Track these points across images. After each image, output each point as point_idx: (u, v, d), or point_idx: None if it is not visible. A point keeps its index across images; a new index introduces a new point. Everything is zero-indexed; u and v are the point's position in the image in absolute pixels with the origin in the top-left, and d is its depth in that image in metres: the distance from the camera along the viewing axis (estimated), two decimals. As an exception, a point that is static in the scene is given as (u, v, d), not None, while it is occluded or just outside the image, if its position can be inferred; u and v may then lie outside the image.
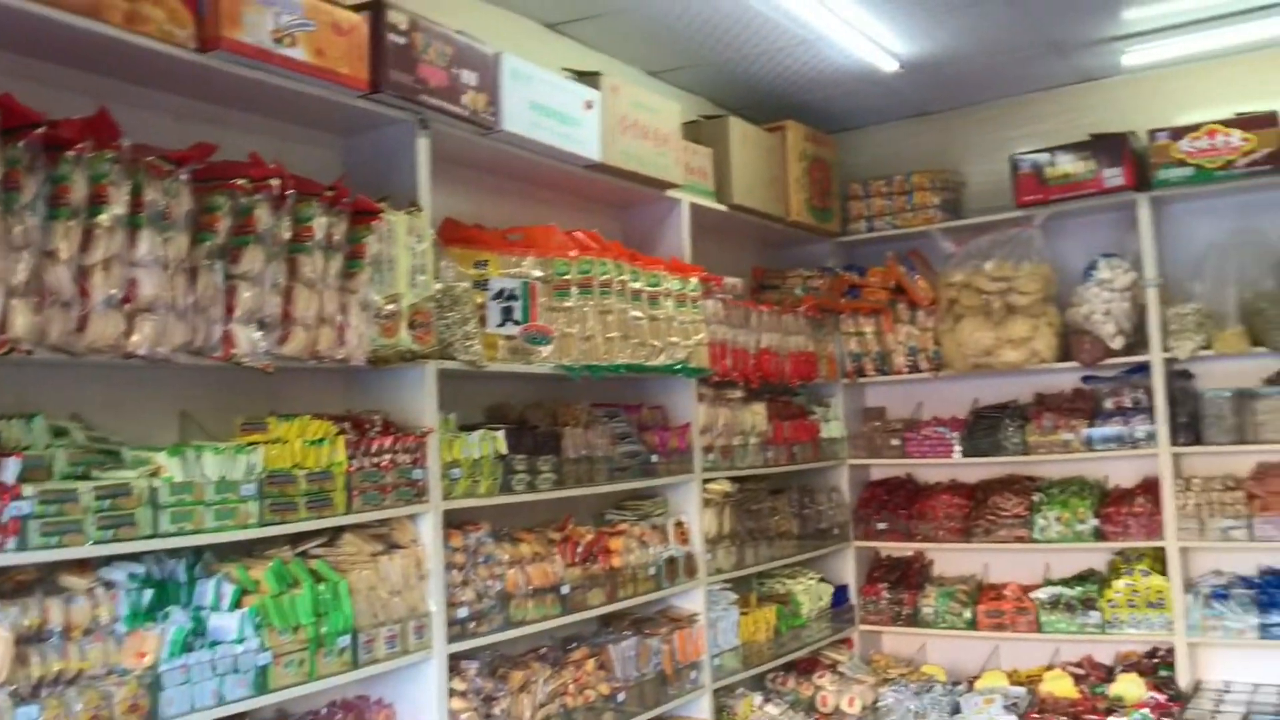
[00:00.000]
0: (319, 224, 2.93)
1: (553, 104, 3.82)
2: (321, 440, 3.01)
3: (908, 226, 5.77)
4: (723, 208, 4.89)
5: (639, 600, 4.14)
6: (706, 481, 4.61)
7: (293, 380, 3.25)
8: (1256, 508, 4.91)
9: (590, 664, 3.87)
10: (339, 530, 3.14)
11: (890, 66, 5.15)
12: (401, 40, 3.23)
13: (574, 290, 3.80)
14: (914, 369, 5.73)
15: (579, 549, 3.87)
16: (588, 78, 4.08)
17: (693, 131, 4.88)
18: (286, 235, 2.86)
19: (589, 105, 3.98)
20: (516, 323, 3.62)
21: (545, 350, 3.67)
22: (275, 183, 2.79)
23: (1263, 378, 5.09)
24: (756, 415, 4.99)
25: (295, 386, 3.28)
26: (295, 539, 3.03)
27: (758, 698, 4.79)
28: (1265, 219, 5.10)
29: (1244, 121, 4.92)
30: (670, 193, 4.56)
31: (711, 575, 4.55)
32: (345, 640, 2.97)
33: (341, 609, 2.97)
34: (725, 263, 5.20)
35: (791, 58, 5.06)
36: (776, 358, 5.14)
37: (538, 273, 3.71)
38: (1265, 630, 4.83)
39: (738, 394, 4.95)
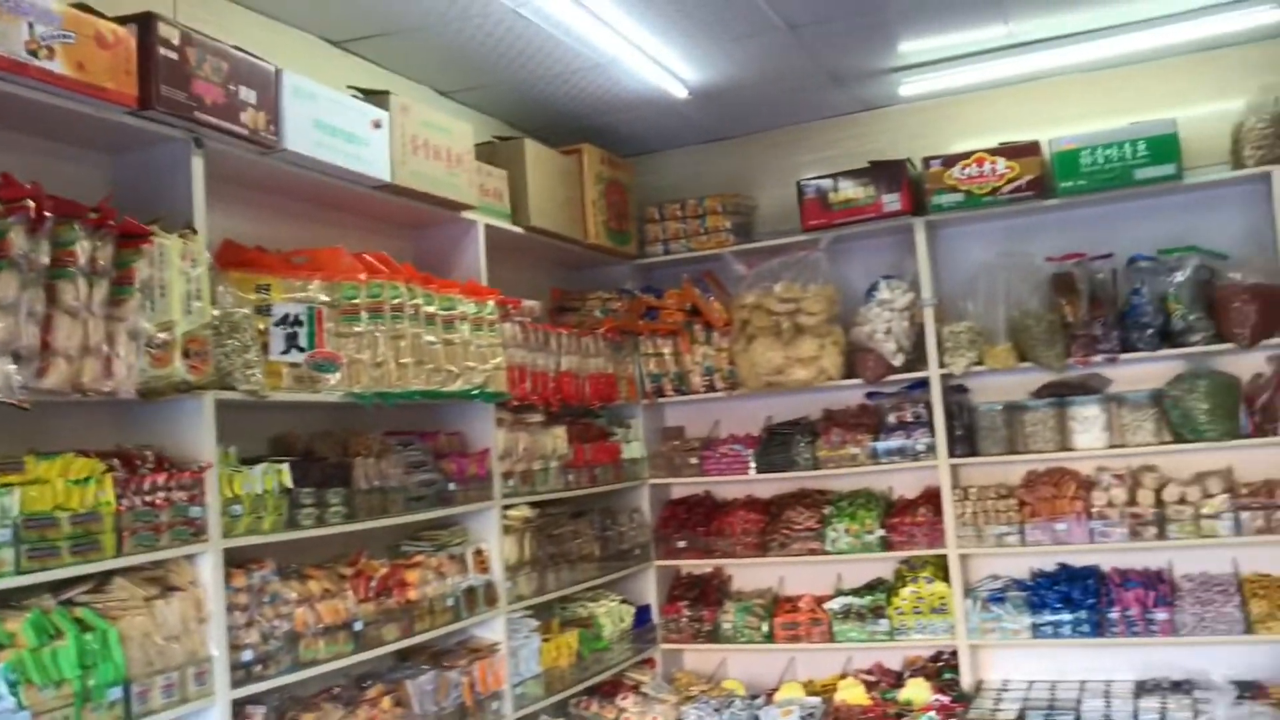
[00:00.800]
0: (82, 248, 2.74)
1: (338, 123, 3.71)
2: (87, 479, 2.80)
3: (702, 249, 5.88)
4: (519, 230, 4.86)
5: (437, 633, 4.04)
6: (507, 508, 4.55)
7: (55, 416, 3.02)
8: (1027, 514, 5.22)
9: (386, 701, 3.75)
10: (109, 574, 2.93)
11: (680, 93, 5.24)
12: (173, 55, 3.06)
13: (364, 315, 3.69)
14: (710, 388, 5.84)
15: (372, 583, 3.75)
16: (376, 97, 3.98)
17: (487, 153, 4.83)
18: (45, 260, 2.66)
19: (377, 124, 3.89)
20: (301, 349, 3.48)
21: (333, 378, 3.54)
22: (30, 204, 2.60)
23: (1030, 391, 5.41)
24: (557, 438, 4.97)
25: (58, 422, 3.05)
26: (58, 586, 2.82)
27: (560, 724, 4.76)
28: (1030, 242, 5.43)
29: (1008, 150, 5.24)
30: (464, 214, 4.50)
31: (512, 603, 4.49)
32: (117, 692, 2.77)
33: (111, 659, 2.77)
34: (523, 285, 5.17)
35: (586, 80, 5.09)
36: (577, 380, 5.14)
37: (324, 297, 3.58)
38: (1037, 630, 5.12)
39: (538, 417, 4.92)
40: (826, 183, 5.57)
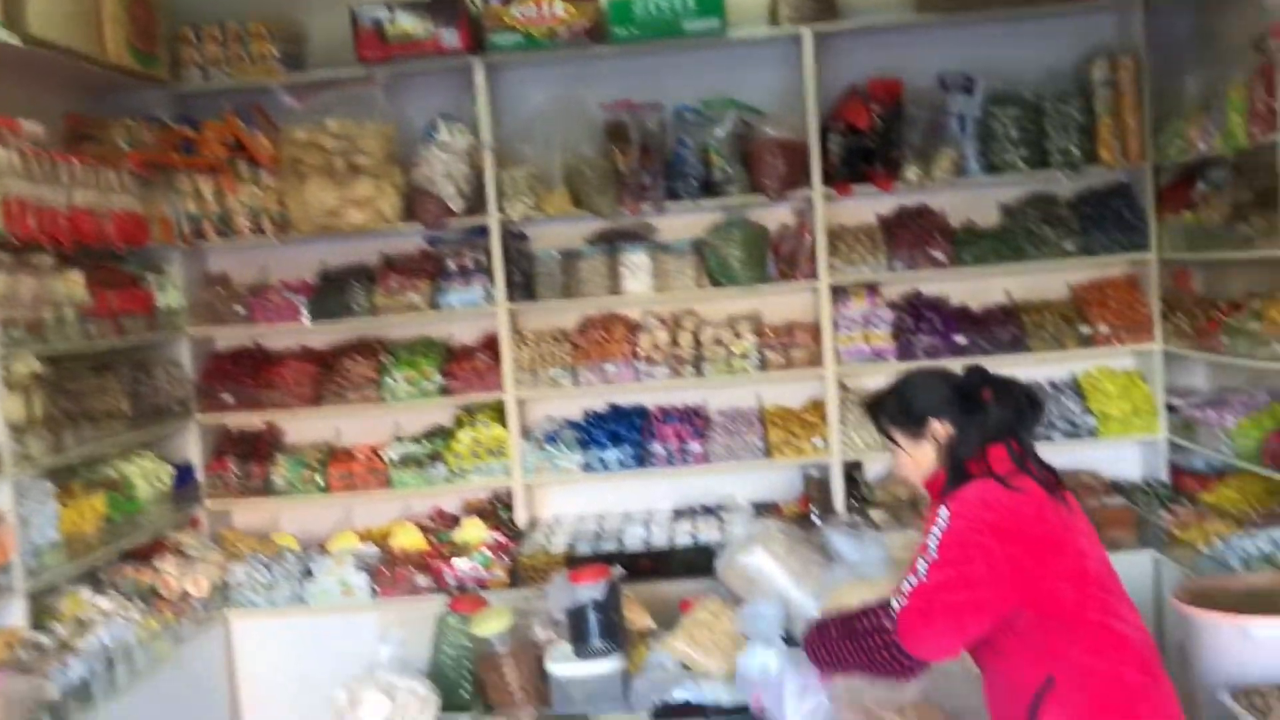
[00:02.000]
0: None
1: None
2: None
3: (247, 78, 5.38)
4: (15, 40, 4.17)
5: (-79, 503, 3.52)
6: (8, 362, 4.01)
7: None
8: (580, 357, 5.38)
9: None
10: None
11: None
12: None
13: None
14: (258, 231, 5.43)
15: None
16: None
17: (-30, -55, 4.07)
18: None
19: None
20: None
21: None
22: None
23: (584, 238, 5.53)
24: (73, 284, 4.42)
25: None
26: None
27: (87, 592, 4.36)
28: (587, 88, 5.46)
29: (567, -7, 5.19)
30: (-61, 16, 3.78)
31: (21, 466, 4.00)
32: None
33: None
34: (28, 107, 4.47)
35: None
36: (96, 218, 4.56)
37: None
38: (587, 466, 5.35)
39: (47, 260, 4.33)
40: (383, 13, 5.24)
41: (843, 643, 2.53)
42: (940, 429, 2.54)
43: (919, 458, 2.60)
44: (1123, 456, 5.50)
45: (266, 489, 5.45)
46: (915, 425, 2.59)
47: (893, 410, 2.65)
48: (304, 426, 5.75)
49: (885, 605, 2.45)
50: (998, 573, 2.30)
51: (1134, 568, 4.73)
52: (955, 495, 2.43)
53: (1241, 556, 4.09)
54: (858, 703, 2.59)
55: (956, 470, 2.49)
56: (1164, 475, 5.29)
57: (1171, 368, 5.30)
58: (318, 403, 5.47)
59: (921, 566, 2.36)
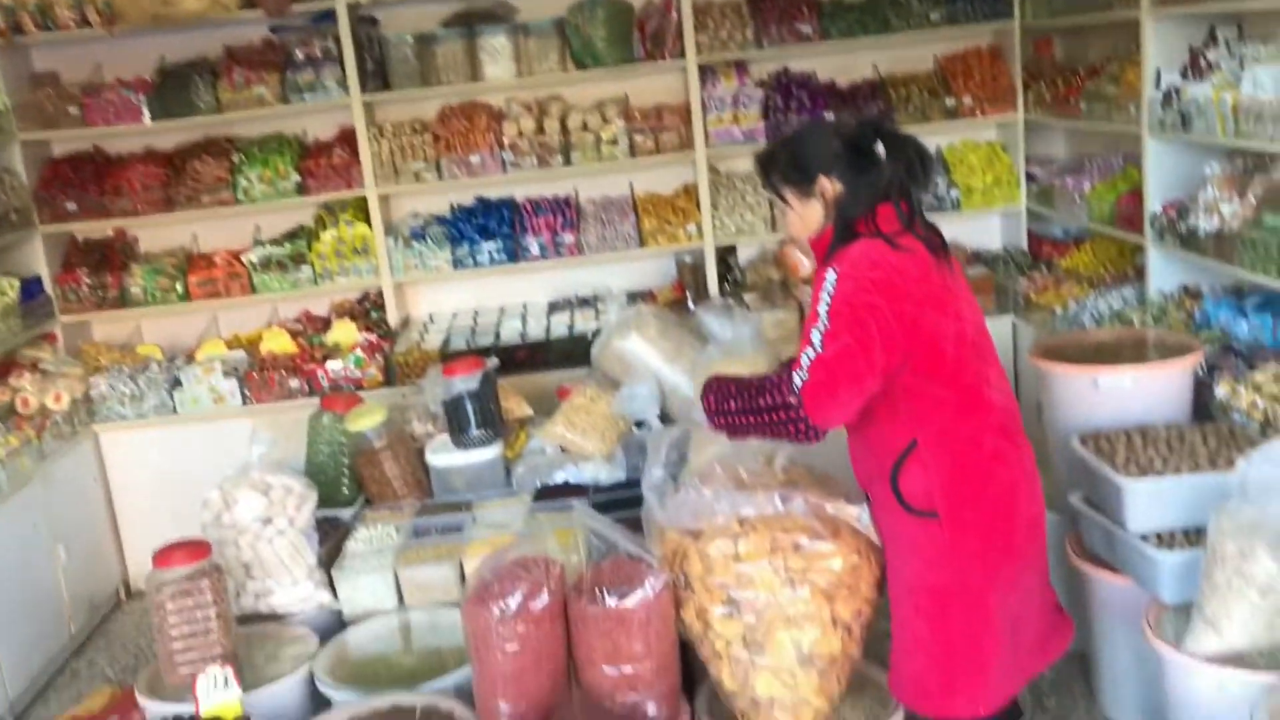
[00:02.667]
0: None
1: None
2: None
3: None
4: None
5: None
6: None
7: None
8: (442, 149, 5.19)
9: None
10: None
11: None
12: None
13: None
14: (84, 23, 5.01)
15: None
16: None
17: None
18: None
19: None
20: None
21: None
22: None
23: (439, 20, 5.25)
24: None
25: None
26: None
27: (-62, 414, 4.19)
28: None
29: None
30: None
31: None
32: None
33: None
34: None
35: None
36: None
37: None
38: (457, 262, 5.25)
39: None
40: None
41: (745, 416, 2.51)
42: (829, 186, 2.46)
43: (807, 216, 2.53)
44: (985, 227, 5.63)
45: (123, 300, 5.22)
46: (805, 182, 2.49)
47: (783, 165, 2.54)
48: (157, 233, 5.49)
49: (785, 379, 2.42)
50: (888, 331, 2.30)
51: (994, 334, 4.89)
52: (841, 256, 2.39)
53: (1094, 316, 4.27)
54: (731, 471, 2.65)
55: (844, 229, 2.44)
56: (1023, 244, 5.43)
57: (1032, 137, 5.36)
58: (169, 208, 5.21)
59: (816, 337, 2.33)
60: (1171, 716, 2.85)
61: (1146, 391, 3.26)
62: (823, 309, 2.34)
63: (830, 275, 2.36)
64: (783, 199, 2.57)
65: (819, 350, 2.32)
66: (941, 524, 2.40)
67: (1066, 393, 3.39)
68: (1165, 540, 2.92)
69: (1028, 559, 2.48)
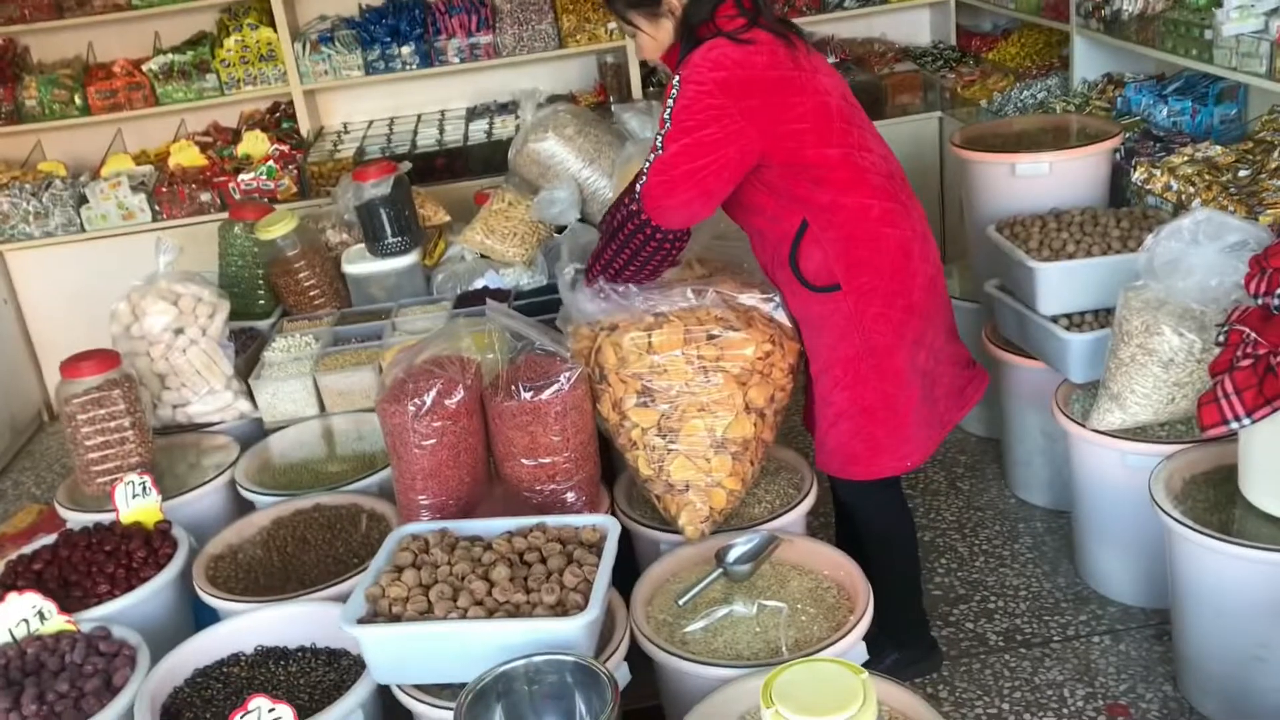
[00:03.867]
0: None
1: None
2: None
3: None
4: None
5: None
6: None
7: None
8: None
9: None
10: None
11: None
12: None
13: None
14: None
15: None
16: None
17: None
18: None
19: None
20: None
21: None
22: None
23: None
24: None
25: None
26: None
27: None
28: None
29: None
30: None
31: None
32: None
33: None
34: None
35: None
36: None
37: None
38: (369, 67, 5.04)
39: None
40: None
41: (608, 251, 2.50)
42: (675, 1, 2.40)
43: (660, 37, 2.45)
44: (914, 21, 5.50)
45: (19, 114, 4.98)
46: (652, 3, 2.44)
47: None
48: (50, 43, 5.21)
49: (630, 193, 2.41)
50: (733, 129, 2.26)
51: (922, 130, 4.88)
52: (686, 62, 2.33)
53: (1018, 106, 4.23)
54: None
55: (688, 36, 2.37)
56: (952, 39, 5.33)
57: (962, -74, 5.21)
58: (59, 14, 4.92)
59: (659, 141, 2.31)
60: (1077, 493, 2.96)
61: (1064, 178, 3.25)
62: (666, 114, 2.32)
63: (675, 82, 2.32)
64: (633, 25, 2.48)
65: (659, 152, 2.31)
66: (844, 295, 2.42)
67: (985, 181, 3.38)
68: (1075, 323, 2.97)
69: (929, 316, 2.49)
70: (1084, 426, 2.77)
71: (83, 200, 4.75)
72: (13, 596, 2.25)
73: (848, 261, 2.40)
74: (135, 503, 2.65)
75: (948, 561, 3.22)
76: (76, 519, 2.79)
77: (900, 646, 2.73)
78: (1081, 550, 3.04)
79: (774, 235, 2.47)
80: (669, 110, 2.31)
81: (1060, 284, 2.92)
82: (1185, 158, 3.25)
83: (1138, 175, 3.31)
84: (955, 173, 4.53)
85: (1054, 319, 2.97)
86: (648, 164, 2.33)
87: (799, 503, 2.58)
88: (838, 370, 2.49)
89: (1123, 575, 2.93)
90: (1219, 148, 3.26)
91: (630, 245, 2.46)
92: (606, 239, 2.53)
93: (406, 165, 3.76)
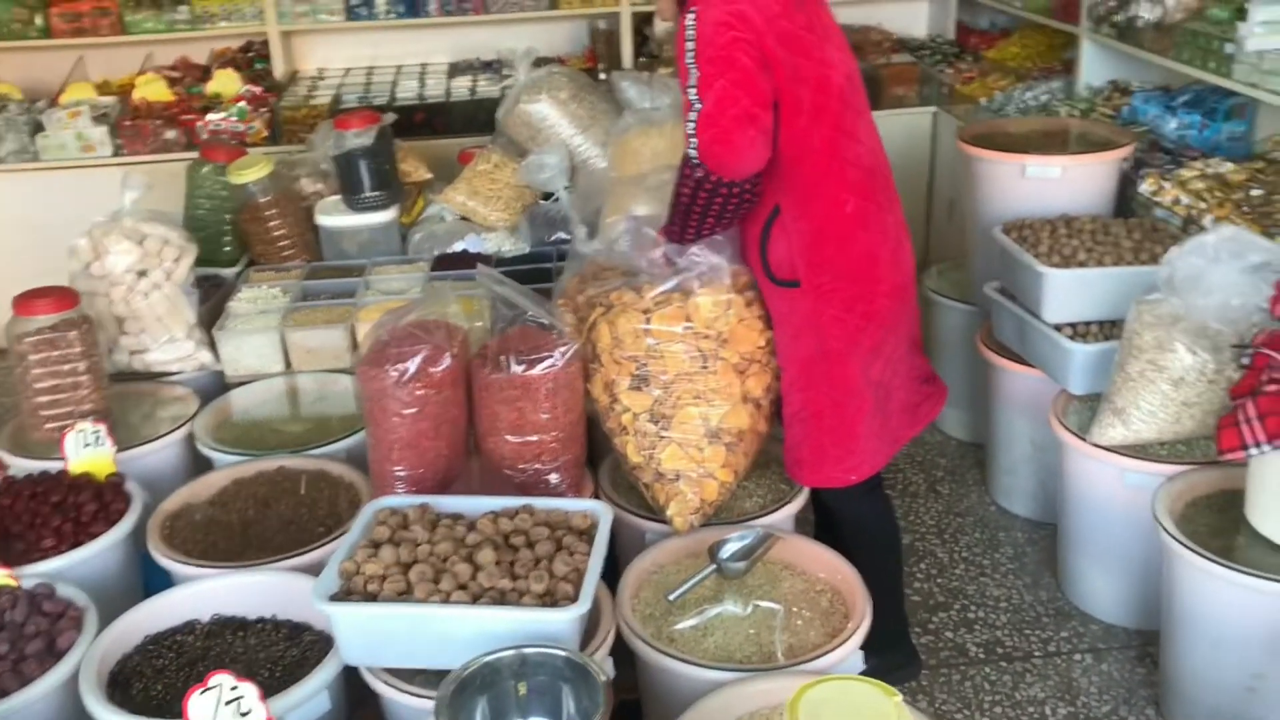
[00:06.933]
0: None
1: None
2: None
3: None
4: None
5: None
6: None
7: None
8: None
9: None
10: None
11: None
12: None
13: None
14: None
15: None
16: None
17: None
18: None
19: None
20: None
21: None
22: None
23: None
24: None
25: None
26: None
27: None
28: None
29: None
30: None
31: None
32: None
33: None
34: None
35: None
36: None
37: None
38: (351, 12, 4.85)
39: None
40: None
41: (685, 216, 2.29)
42: None
43: None
44: (912, 12, 5.41)
45: (-27, 35, 4.72)
46: None
47: None
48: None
49: (685, 162, 2.22)
50: (760, 62, 2.13)
51: (915, 124, 4.77)
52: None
53: (1020, 108, 4.14)
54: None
55: None
56: (951, 34, 5.23)
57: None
58: (24, -70, 4.66)
59: (693, 94, 2.14)
60: (1068, 507, 2.89)
61: (1073, 183, 3.17)
62: (689, 60, 2.16)
63: (689, 20, 2.16)
64: None
65: (698, 106, 2.14)
66: (802, 293, 2.30)
67: (993, 181, 3.28)
68: (1079, 333, 2.88)
69: (891, 325, 2.36)
70: (1083, 440, 2.69)
71: (39, 128, 4.51)
72: (-52, 546, 2.09)
73: (810, 259, 2.28)
74: (86, 452, 2.48)
75: (927, 566, 3.13)
76: (21, 465, 2.61)
77: (879, 652, 2.64)
78: (1066, 565, 2.97)
79: (749, 219, 2.34)
80: (690, 54, 2.15)
81: (1070, 292, 2.83)
82: (1196, 172, 3.18)
83: (1146, 186, 3.23)
84: (948, 170, 4.44)
85: (1057, 327, 2.89)
86: (691, 124, 2.15)
87: (792, 499, 2.48)
88: (794, 370, 2.38)
89: (1108, 594, 2.86)
90: (1230, 164, 3.19)
91: (712, 209, 2.26)
92: (683, 215, 2.31)
93: (391, 116, 3.59)
